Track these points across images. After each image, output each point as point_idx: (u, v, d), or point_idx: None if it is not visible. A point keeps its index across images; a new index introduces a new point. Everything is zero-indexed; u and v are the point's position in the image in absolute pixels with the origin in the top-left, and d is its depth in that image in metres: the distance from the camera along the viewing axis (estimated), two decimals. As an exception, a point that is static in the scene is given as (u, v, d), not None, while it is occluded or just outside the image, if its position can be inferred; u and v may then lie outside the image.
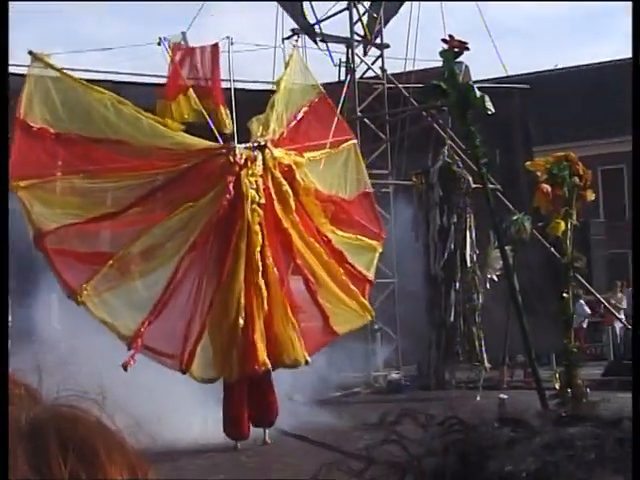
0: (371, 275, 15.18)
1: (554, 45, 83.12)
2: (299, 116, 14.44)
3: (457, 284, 18.28)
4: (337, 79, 20.91)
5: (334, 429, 14.33)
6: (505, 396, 9.87)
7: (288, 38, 20.77)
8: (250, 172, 13.00)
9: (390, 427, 0.80)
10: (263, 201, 13.06)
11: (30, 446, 0.73)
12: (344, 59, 20.88)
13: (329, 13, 20.90)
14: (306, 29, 20.56)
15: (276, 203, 13.30)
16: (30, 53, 12.62)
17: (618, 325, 23.72)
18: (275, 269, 13.19)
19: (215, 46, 14.56)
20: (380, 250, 15.54)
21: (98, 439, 0.74)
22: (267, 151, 13.34)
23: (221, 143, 13.49)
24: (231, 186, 12.82)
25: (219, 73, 14.77)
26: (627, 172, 37.22)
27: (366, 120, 20.43)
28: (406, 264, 19.30)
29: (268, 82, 15.62)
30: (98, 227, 12.52)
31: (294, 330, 13.35)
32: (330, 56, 21.08)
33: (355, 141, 15.74)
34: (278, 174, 13.36)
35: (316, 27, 20.73)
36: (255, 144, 13.31)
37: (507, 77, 21.17)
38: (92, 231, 12.47)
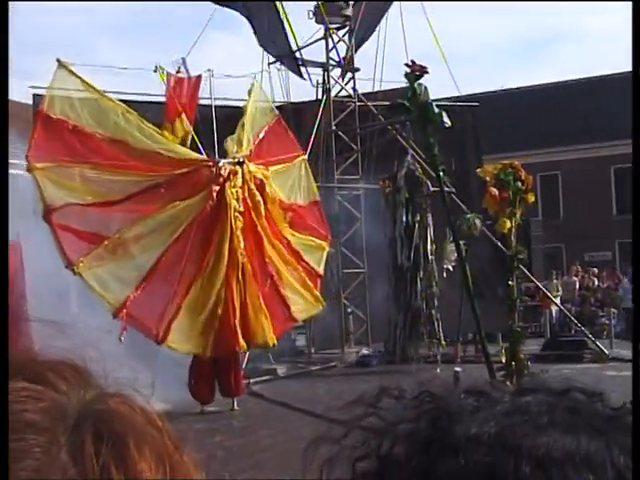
0: (321, 271, 15.50)
1: (498, 69, 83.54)
2: (261, 135, 14.71)
3: (421, 273, 18.33)
4: (315, 98, 20.93)
5: (315, 398, 14.39)
6: (459, 369, 9.86)
7: (273, 63, 20.79)
8: (233, 184, 13.24)
9: (369, 404, 0.79)
10: (242, 209, 13.29)
11: (74, 437, 0.69)
12: (321, 80, 20.91)
13: (308, 42, 20.95)
14: (288, 55, 20.59)
15: (252, 210, 13.55)
16: (58, 60, 12.76)
17: (554, 308, 23.86)
18: (250, 265, 13.44)
19: (198, 77, 15.34)
20: (327, 249, 15.83)
21: (130, 433, 0.71)
22: (245, 166, 13.57)
23: (206, 157, 13.84)
24: (214, 193, 13.04)
25: (196, 99, 15.45)
26: (561, 177, 37.47)
27: (340, 133, 20.48)
28: (374, 256, 19.34)
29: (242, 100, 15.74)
30: (98, 211, 12.56)
31: (265, 317, 13.60)
32: (309, 78, 21.12)
33: (305, 156, 16.00)
34: (253, 186, 13.61)
35: (297, 54, 20.74)
36: (236, 160, 13.51)
37: (459, 96, 21.16)
38: (92, 214, 12.52)
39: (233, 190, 13.20)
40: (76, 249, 12.20)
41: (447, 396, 0.77)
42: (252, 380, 15.47)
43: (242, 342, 13.03)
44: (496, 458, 0.68)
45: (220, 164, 13.30)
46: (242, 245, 13.10)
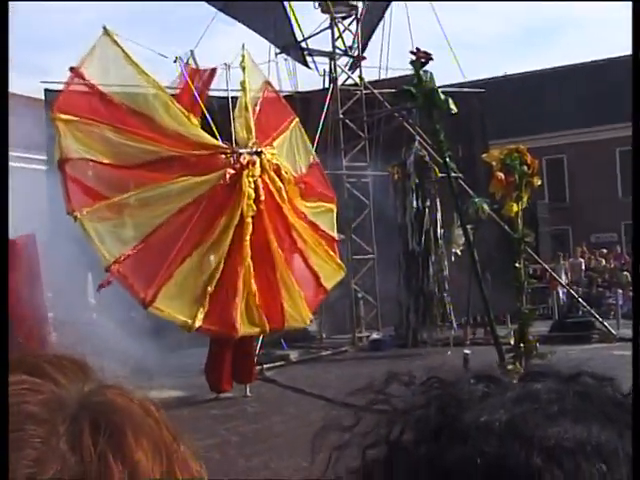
0: (336, 234, 15.40)
1: (503, 55, 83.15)
2: (257, 108, 14.40)
3: (433, 257, 18.32)
4: (322, 87, 20.87)
5: (327, 383, 14.40)
6: (469, 351, 9.85)
7: (280, 53, 20.71)
8: (250, 173, 13.10)
9: (378, 391, 0.77)
10: (263, 198, 13.14)
11: (73, 427, 0.70)
12: (328, 69, 20.85)
13: (315, 31, 20.88)
14: (294, 46, 20.53)
15: (276, 196, 13.45)
16: (103, 28, 12.77)
17: (561, 290, 23.79)
18: (280, 251, 13.37)
19: (213, 70, 14.99)
20: (335, 210, 15.62)
21: (127, 424, 0.71)
22: (263, 155, 13.45)
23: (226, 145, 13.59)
24: (228, 176, 12.90)
25: (207, 91, 15.11)
26: (567, 160, 37.33)
27: (347, 121, 20.42)
28: (383, 242, 19.32)
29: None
30: (110, 172, 12.48)
31: (300, 297, 13.56)
32: (316, 67, 21.05)
33: (297, 119, 15.56)
34: (272, 172, 13.50)
35: (303, 43, 20.68)
36: (255, 150, 13.39)
37: (465, 82, 21.06)
38: (104, 173, 12.45)
39: (250, 179, 13.07)
40: (81, 200, 12.14)
41: (456, 382, 0.75)
42: (265, 366, 15.48)
43: (238, 328, 12.79)
44: (507, 449, 0.66)
45: (239, 152, 13.22)
46: (250, 232, 12.93)
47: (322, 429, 0.76)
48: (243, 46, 15.03)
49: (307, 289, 13.86)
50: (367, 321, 20.60)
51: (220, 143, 13.53)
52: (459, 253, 18.12)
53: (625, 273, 25.13)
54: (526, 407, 0.69)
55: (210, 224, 12.83)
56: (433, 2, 20.36)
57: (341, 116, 20.27)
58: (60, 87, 18.92)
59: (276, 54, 20.33)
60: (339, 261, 15.11)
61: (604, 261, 28.29)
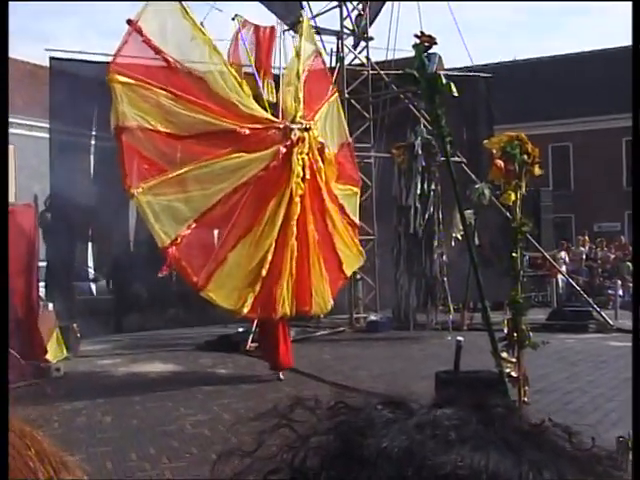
0: (357, 220, 15.05)
1: (512, 40, 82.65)
2: (303, 79, 13.68)
3: (436, 241, 18.29)
4: (329, 66, 20.78)
5: (322, 362, 14.46)
6: (461, 339, 9.82)
7: (288, 30, 20.61)
8: (299, 150, 12.74)
9: (283, 414, 0.77)
10: (309, 177, 12.82)
11: None
12: (335, 49, 20.76)
13: (322, 10, 20.75)
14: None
15: (318, 176, 13.12)
16: None
17: (560, 277, 23.78)
18: (315, 233, 13.09)
19: (272, 28, 14.71)
20: (359, 194, 15.34)
21: None
22: (311, 132, 13.07)
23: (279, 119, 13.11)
24: (281, 155, 12.54)
25: (271, 55, 14.81)
26: (572, 148, 37.24)
27: (352, 101, 20.34)
28: (384, 224, 19.32)
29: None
30: (166, 141, 11.98)
31: (326, 283, 13.35)
32: (323, 46, 20.94)
33: (337, 92, 15.11)
34: (316, 151, 13.16)
35: (311, 21, 20.55)
36: (304, 126, 12.96)
37: (472, 66, 20.97)
38: (160, 142, 11.94)
39: (300, 157, 12.70)
40: (138, 174, 11.67)
41: (363, 407, 0.75)
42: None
43: (280, 309, 12.52)
44: (403, 476, 0.66)
45: (291, 127, 12.79)
46: (298, 212, 12.57)
47: (223, 454, 0.76)
48: (302, 10, 14.61)
49: (331, 274, 13.58)
50: (365, 302, 20.64)
51: (271, 117, 13.06)
52: (459, 238, 18.10)
53: (627, 263, 25.10)
54: (426, 433, 0.69)
55: (263, 204, 12.43)
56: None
57: (346, 96, 20.20)
58: (65, 55, 19.02)
59: (283, 31, 20.22)
60: (360, 247, 14.86)
61: (606, 250, 28.25)
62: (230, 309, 12.46)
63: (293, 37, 20.51)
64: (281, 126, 12.84)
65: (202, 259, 12.07)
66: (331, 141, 14.23)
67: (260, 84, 14.17)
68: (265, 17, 20.45)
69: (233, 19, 14.19)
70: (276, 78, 15.20)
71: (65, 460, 0.76)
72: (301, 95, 13.38)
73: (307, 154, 12.88)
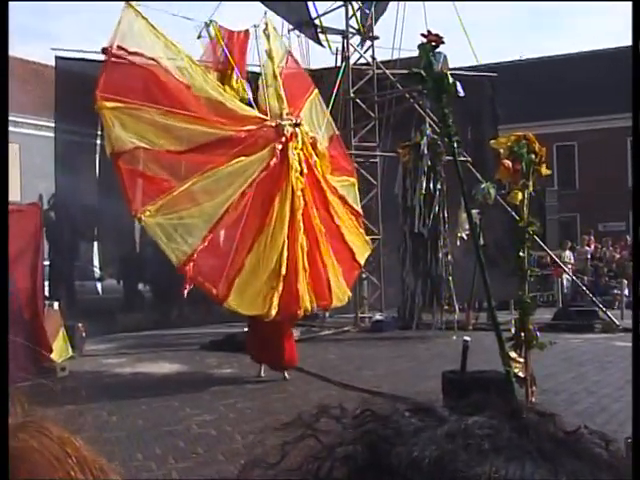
0: (360, 209, 15.11)
1: (518, 39, 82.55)
2: (280, 79, 13.88)
3: (442, 241, 18.26)
4: (334, 65, 20.79)
5: (327, 362, 14.44)
6: (468, 338, 9.80)
7: (293, 29, 20.60)
8: (294, 146, 12.81)
9: (308, 424, 0.74)
10: (306, 171, 12.88)
11: None
12: (340, 48, 20.75)
13: (328, 9, 20.74)
14: (308, 23, 20.40)
15: (314, 170, 13.18)
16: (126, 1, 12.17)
17: (566, 277, 23.75)
18: (322, 227, 13.07)
19: (246, 32, 14.41)
20: (356, 184, 15.36)
21: (24, 470, 0.68)
22: (302, 127, 13.17)
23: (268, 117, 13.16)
24: (278, 152, 12.59)
25: (245, 56, 14.61)
26: (577, 148, 37.20)
27: (358, 100, 20.34)
28: (390, 223, 19.30)
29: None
30: (166, 158, 11.99)
31: (340, 274, 13.33)
32: (328, 45, 20.95)
33: (316, 89, 15.18)
34: (309, 146, 13.23)
35: (316, 21, 20.55)
36: (294, 121, 13.07)
37: (478, 66, 20.91)
38: (161, 160, 11.94)
39: (295, 152, 12.78)
40: (142, 197, 11.64)
41: (390, 415, 0.72)
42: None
43: (305, 305, 12.49)
44: None
45: (282, 124, 12.88)
46: (302, 206, 12.61)
47: (246, 465, 0.73)
48: (265, 13, 14.69)
49: (344, 265, 13.58)
50: (370, 302, 20.62)
51: (262, 115, 13.11)
52: (465, 237, 18.07)
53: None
54: (458, 443, 0.66)
55: (268, 203, 12.42)
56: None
57: (352, 95, 20.19)
58: (71, 55, 19.02)
59: (289, 30, 20.23)
60: (366, 237, 14.94)
61: (612, 250, 28.20)
62: (258, 314, 12.20)
63: (298, 36, 20.57)
64: (273, 124, 12.92)
65: (219, 269, 11.94)
66: (321, 136, 14.32)
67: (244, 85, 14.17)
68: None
69: (208, 25, 14.12)
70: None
71: (102, 465, 0.75)
72: (283, 94, 13.52)
73: (301, 149, 12.97)
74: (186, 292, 11.64)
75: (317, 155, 13.43)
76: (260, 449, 0.75)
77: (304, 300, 12.50)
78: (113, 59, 11.96)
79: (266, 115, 13.20)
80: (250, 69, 15.57)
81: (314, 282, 12.74)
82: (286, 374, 12.87)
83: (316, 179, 13.24)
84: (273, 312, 12.01)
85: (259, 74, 14.47)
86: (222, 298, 11.86)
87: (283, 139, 12.75)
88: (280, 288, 12.11)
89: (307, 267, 12.60)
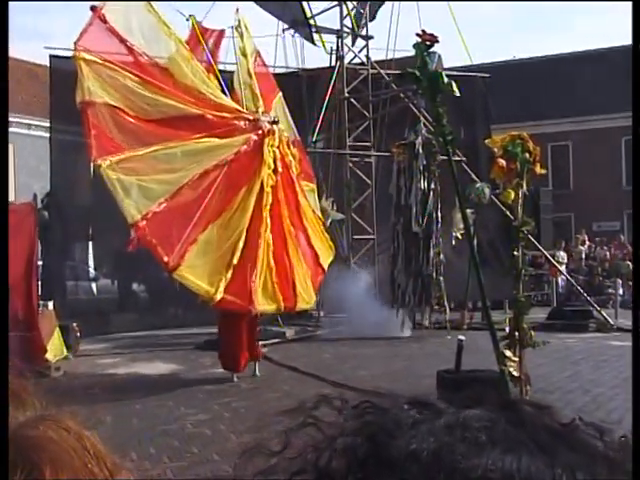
0: (320, 214, 15.09)
1: (511, 39, 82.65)
2: (255, 77, 13.98)
3: (434, 240, 18.24)
4: (329, 64, 20.79)
5: (321, 362, 14.43)
6: (463, 338, 9.81)
7: (287, 29, 20.61)
8: (270, 142, 12.72)
9: (308, 412, 0.74)
10: (281, 170, 12.80)
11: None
12: (335, 48, 20.75)
13: (322, 9, 20.76)
14: (302, 22, 20.40)
15: (289, 169, 13.13)
16: None
17: (560, 277, 23.78)
18: (292, 227, 13.02)
19: (221, 32, 14.74)
20: (315, 190, 15.40)
21: (47, 460, 0.69)
22: (279, 126, 13.13)
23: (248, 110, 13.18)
24: (252, 142, 12.51)
25: (217, 53, 14.89)
26: (572, 147, 37.24)
27: (352, 100, 20.35)
28: (384, 223, 19.28)
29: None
30: (134, 122, 11.97)
31: (308, 277, 13.24)
32: (323, 45, 20.95)
33: (280, 92, 15.18)
34: (285, 145, 13.18)
35: (311, 20, 20.55)
36: (272, 119, 13.02)
37: (471, 65, 20.94)
38: (128, 123, 11.90)
39: (270, 149, 12.67)
40: (105, 149, 11.59)
41: (390, 407, 0.72)
42: (261, 343, 15.48)
43: (257, 306, 12.21)
44: (431, 478, 0.64)
45: (260, 119, 12.82)
46: (270, 203, 12.50)
47: (246, 452, 0.74)
48: (237, 10, 14.53)
49: (310, 268, 13.50)
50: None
51: (241, 108, 13.10)
52: (459, 237, 18.08)
53: (627, 262, 25.09)
54: (456, 435, 0.67)
55: (233, 191, 12.32)
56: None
57: (346, 95, 20.20)
58: (65, 53, 18.96)
59: (283, 30, 20.24)
60: (330, 242, 14.79)
61: (605, 249, 28.26)
62: (203, 293, 12.01)
63: (292, 36, 20.57)
64: (251, 117, 12.87)
65: (173, 239, 11.83)
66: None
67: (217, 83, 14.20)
68: (265, 16, 20.44)
69: (187, 20, 14.23)
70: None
71: (114, 461, 0.76)
72: (258, 92, 13.57)
73: (278, 147, 12.88)
74: (130, 245, 11.60)
75: (292, 155, 13.39)
76: (262, 435, 0.75)
77: (264, 298, 12.32)
78: (98, 21, 12.00)
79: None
80: (222, 67, 15.62)
81: (281, 282, 12.61)
82: (257, 371, 12.97)
83: (291, 179, 13.19)
84: (218, 296, 11.83)
85: (233, 73, 14.46)
86: (173, 267, 11.72)
87: (260, 132, 12.64)
88: (229, 276, 11.96)
89: (273, 266, 12.49)
